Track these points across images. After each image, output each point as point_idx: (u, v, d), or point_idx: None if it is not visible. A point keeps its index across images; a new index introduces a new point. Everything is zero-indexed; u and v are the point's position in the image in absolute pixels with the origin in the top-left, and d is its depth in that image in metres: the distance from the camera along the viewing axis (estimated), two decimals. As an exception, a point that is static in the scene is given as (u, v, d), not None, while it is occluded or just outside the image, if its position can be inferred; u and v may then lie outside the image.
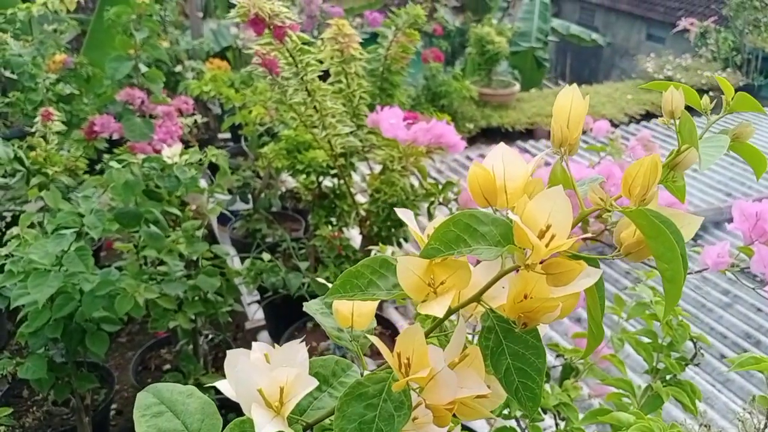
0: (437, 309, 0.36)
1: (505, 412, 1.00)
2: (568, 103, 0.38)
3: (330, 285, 0.45)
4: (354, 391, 0.40)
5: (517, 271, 0.37)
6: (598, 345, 0.39)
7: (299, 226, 2.68)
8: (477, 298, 0.40)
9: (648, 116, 4.90)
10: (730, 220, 0.95)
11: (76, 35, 3.86)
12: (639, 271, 1.19)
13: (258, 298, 2.39)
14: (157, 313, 1.47)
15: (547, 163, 0.60)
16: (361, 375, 0.44)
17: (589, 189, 0.36)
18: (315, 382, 0.40)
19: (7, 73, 3.25)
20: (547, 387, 1.08)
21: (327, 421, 0.47)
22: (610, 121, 4.87)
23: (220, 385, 0.46)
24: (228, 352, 0.45)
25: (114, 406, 2.30)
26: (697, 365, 0.96)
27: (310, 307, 0.48)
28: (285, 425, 0.40)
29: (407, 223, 0.40)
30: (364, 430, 0.39)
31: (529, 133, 4.47)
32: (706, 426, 1.28)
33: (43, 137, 2.30)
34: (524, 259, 0.35)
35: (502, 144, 0.40)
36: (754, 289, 0.93)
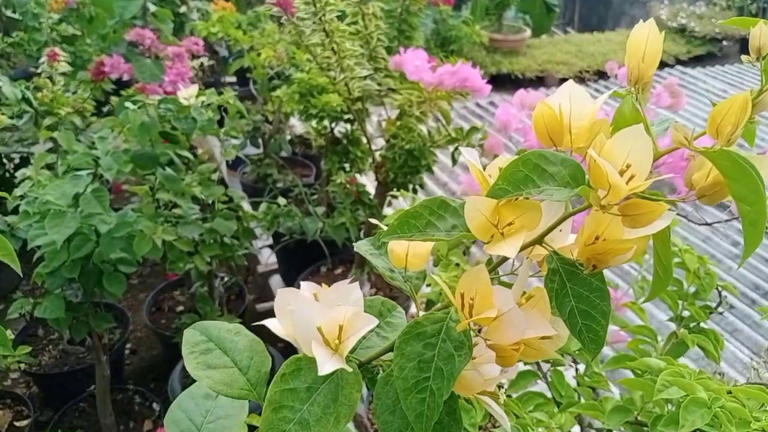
0: (507, 249, 0.35)
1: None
2: (644, 37, 0.37)
3: (384, 227, 0.44)
4: (412, 331, 0.40)
5: (588, 212, 0.36)
6: (665, 288, 0.39)
7: (310, 172, 2.67)
8: (540, 240, 0.40)
9: (661, 65, 4.81)
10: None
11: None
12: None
13: (269, 242, 2.40)
14: (173, 255, 1.48)
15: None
16: (415, 316, 0.44)
17: (672, 128, 0.35)
18: (375, 321, 0.40)
19: (9, 13, 3.17)
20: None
21: (375, 361, 0.47)
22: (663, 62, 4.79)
23: (270, 324, 0.46)
24: (278, 291, 0.45)
25: (128, 345, 2.35)
26: (721, 314, 0.97)
27: (360, 247, 0.48)
28: (344, 363, 0.40)
29: (470, 162, 0.39)
30: (423, 368, 0.39)
31: (540, 81, 4.39)
32: (719, 374, 1.30)
33: (49, 78, 2.27)
34: (599, 200, 0.34)
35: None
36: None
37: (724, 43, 5.43)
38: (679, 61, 4.93)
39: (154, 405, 2.05)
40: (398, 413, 0.41)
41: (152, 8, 2.03)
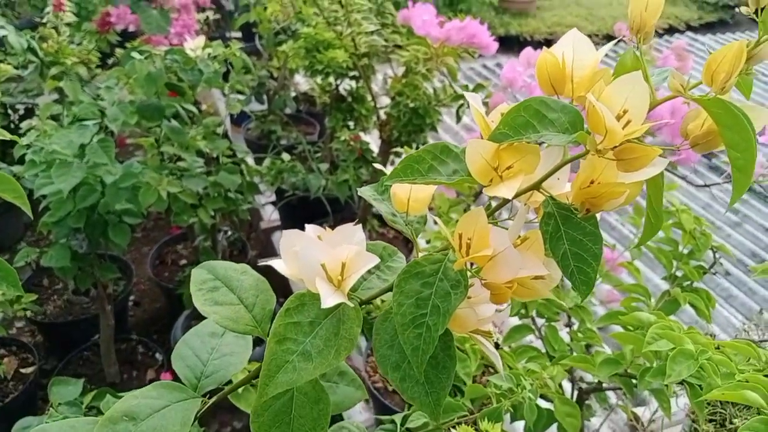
0: (505, 191, 0.37)
1: (522, 311, 1.04)
2: (648, -12, 0.37)
3: (387, 172, 0.46)
4: (411, 270, 0.42)
5: (585, 157, 0.37)
6: (656, 232, 0.40)
7: (313, 130, 2.67)
8: (537, 186, 0.41)
9: (671, 30, 4.74)
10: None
11: None
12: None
13: (272, 199, 2.42)
14: (178, 207, 1.49)
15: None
16: (415, 257, 0.45)
17: (670, 75, 0.36)
18: (376, 259, 0.41)
19: (14, -38, 3.13)
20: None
21: (377, 301, 0.49)
22: (670, 26, 4.71)
23: (275, 264, 0.48)
24: (284, 232, 0.47)
25: (131, 298, 2.39)
26: (714, 274, 0.99)
27: (364, 192, 0.49)
28: (345, 298, 0.42)
29: (473, 105, 0.40)
30: (420, 305, 0.41)
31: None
32: (711, 335, 1.33)
33: (55, 28, 2.25)
34: (595, 145, 0.35)
35: (575, 29, 0.39)
36: (762, 196, 0.94)
37: (737, 9, 5.34)
38: (689, 27, 4.86)
39: (157, 355, 2.09)
40: (396, 348, 0.43)
41: (158, -42, 2.00)
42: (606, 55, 0.41)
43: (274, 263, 0.48)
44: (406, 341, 0.41)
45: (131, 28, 1.91)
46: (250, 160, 2.31)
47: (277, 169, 1.65)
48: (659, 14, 0.38)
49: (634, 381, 0.81)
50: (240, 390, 1.09)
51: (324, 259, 0.41)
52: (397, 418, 0.82)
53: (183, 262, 2.32)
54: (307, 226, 0.47)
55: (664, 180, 0.39)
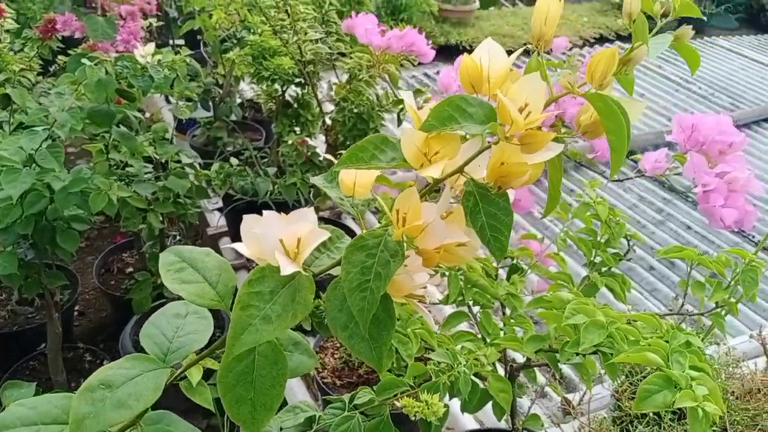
0: (433, 171, 0.45)
1: (459, 299, 1.13)
2: (546, 3, 0.46)
3: (335, 162, 0.53)
4: (357, 243, 0.49)
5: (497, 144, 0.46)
6: (555, 206, 0.49)
7: (260, 136, 2.71)
8: (461, 170, 0.49)
9: (602, 40, 4.99)
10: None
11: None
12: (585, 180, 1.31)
13: (219, 205, 2.44)
14: (128, 212, 1.52)
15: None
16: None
17: (560, 77, 0.44)
18: (327, 234, 0.49)
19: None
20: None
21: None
22: (601, 35, 4.94)
23: (238, 246, 0.54)
24: (244, 216, 0.53)
25: (77, 308, 2.37)
26: (629, 260, 1.10)
27: (317, 180, 0.56)
28: (301, 268, 0.49)
29: (406, 102, 0.48)
30: (365, 272, 0.48)
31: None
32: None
33: (-6, 35, 2.23)
34: (504, 133, 0.43)
35: (489, 39, 0.48)
36: (684, 195, 1.06)
37: (662, 20, 5.66)
38: (619, 37, 5.13)
39: (105, 362, 2.09)
40: (344, 310, 0.50)
41: (103, -34, 2.02)
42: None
43: (237, 246, 0.54)
44: (353, 303, 0.48)
45: (77, 35, 1.92)
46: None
47: (225, 173, 1.70)
48: (555, 27, 0.46)
49: (557, 354, 0.90)
50: (194, 384, 1.14)
51: (282, 235, 0.48)
52: (346, 398, 0.89)
53: (129, 270, 2.32)
54: (265, 211, 0.54)
55: (562, 163, 0.48)
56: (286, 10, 1.40)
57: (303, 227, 0.48)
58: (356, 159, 0.49)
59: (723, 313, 1.04)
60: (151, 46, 1.40)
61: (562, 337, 0.93)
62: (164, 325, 0.63)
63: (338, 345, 1.67)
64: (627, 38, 5.14)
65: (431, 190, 0.50)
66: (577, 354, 0.88)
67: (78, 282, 2.20)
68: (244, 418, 0.52)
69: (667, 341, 0.76)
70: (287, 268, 0.47)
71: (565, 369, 1.89)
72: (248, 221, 0.52)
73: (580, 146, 1.42)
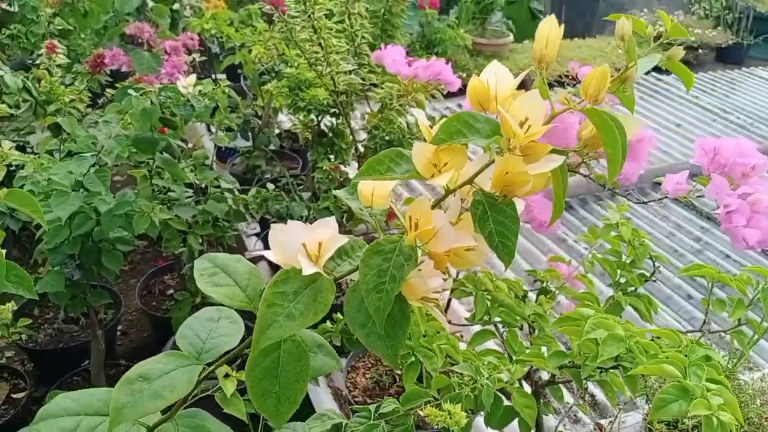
0: (442, 180, 0.49)
1: (486, 318, 1.15)
2: (547, 28, 0.50)
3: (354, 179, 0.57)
4: (374, 248, 0.53)
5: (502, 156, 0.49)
6: (560, 215, 0.52)
7: (296, 165, 2.79)
8: (471, 181, 0.53)
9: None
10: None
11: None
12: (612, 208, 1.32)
13: (257, 231, 2.52)
14: (169, 234, 1.59)
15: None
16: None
17: (557, 93, 0.48)
18: (345, 239, 0.53)
19: (4, 5, 3.27)
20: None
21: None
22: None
23: (266, 254, 0.59)
24: (272, 226, 0.58)
25: (119, 327, 2.45)
26: (654, 281, 1.11)
27: (339, 193, 0.60)
28: (321, 270, 0.53)
29: (418, 119, 0.52)
30: (381, 275, 0.52)
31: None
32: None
33: (47, 70, 2.37)
34: (507, 145, 0.47)
35: (495, 62, 0.52)
36: (707, 216, 1.07)
37: (700, 51, 5.64)
38: (656, 68, 5.11)
39: (145, 381, 2.15)
40: (362, 310, 0.54)
41: (150, 4, 2.14)
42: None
43: (266, 253, 0.59)
44: (370, 303, 0.52)
45: (124, 69, 2.03)
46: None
47: (262, 198, 1.76)
48: (556, 49, 0.50)
49: (580, 370, 0.92)
50: (228, 396, 1.18)
51: (304, 240, 0.53)
52: (372, 408, 0.92)
53: (170, 291, 2.40)
54: (290, 221, 0.58)
55: (566, 175, 0.51)
56: (320, 44, 1.47)
57: (324, 233, 0.52)
58: (373, 171, 0.54)
59: (754, 337, 1.03)
60: (193, 77, 1.48)
61: (586, 353, 0.95)
62: (198, 327, 0.67)
63: (369, 365, 1.70)
64: (662, 70, 5.12)
65: (443, 199, 0.54)
66: (600, 369, 0.90)
67: (121, 303, 2.28)
68: (270, 410, 0.56)
69: (686, 356, 0.77)
70: (309, 269, 0.51)
71: (598, 394, 1.87)
72: (275, 230, 0.57)
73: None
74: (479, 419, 1.04)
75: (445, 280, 0.55)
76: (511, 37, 5.12)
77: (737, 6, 6.25)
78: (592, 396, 1.90)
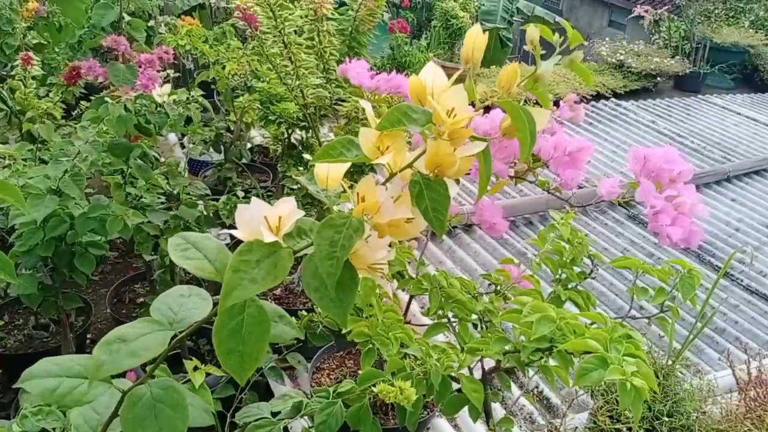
0: (384, 160, 0.57)
1: (440, 312, 1.23)
2: (474, 36, 0.60)
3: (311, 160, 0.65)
4: (327, 222, 0.62)
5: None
6: (484, 193, 0.61)
7: (267, 177, 2.87)
8: (411, 165, 0.62)
9: (599, 96, 5.19)
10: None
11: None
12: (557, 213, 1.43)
13: (227, 241, 2.58)
14: (141, 238, 1.65)
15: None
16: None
17: (479, 88, 0.58)
18: (302, 213, 0.61)
19: (-22, 19, 3.31)
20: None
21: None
22: (559, 99, 5.14)
23: (234, 232, 0.67)
24: (239, 206, 0.66)
25: (89, 336, 2.47)
26: (593, 278, 1.20)
27: (301, 179, 0.69)
28: (281, 240, 0.61)
29: (366, 111, 0.61)
30: (332, 245, 0.60)
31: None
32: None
33: (22, 81, 2.42)
34: (438, 132, 0.56)
35: (431, 63, 0.61)
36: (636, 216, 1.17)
37: (659, 79, 5.89)
38: (615, 94, 5.33)
39: (112, 388, 2.18)
40: (317, 277, 0.62)
41: (127, 18, 2.22)
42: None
43: (233, 232, 0.67)
44: (323, 269, 0.60)
45: (100, 80, 2.10)
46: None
47: (232, 204, 1.83)
48: (482, 52, 0.60)
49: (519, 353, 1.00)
50: (197, 387, 1.24)
51: (267, 214, 0.61)
52: (331, 388, 0.99)
53: (140, 299, 2.44)
54: (253, 199, 0.67)
55: (490, 159, 0.61)
56: (290, 58, 1.56)
57: (284, 208, 0.61)
58: (328, 155, 0.62)
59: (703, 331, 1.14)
60: (168, 87, 1.56)
61: (524, 338, 1.04)
62: (171, 302, 0.74)
63: (334, 366, 1.77)
64: (622, 96, 5.34)
65: (388, 180, 0.63)
66: (540, 354, 0.99)
67: (92, 310, 2.32)
68: (234, 366, 0.63)
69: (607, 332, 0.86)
70: (269, 238, 0.59)
71: (552, 397, 1.97)
72: (241, 209, 0.65)
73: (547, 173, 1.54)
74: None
75: (388, 251, 0.63)
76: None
77: (695, 36, 6.55)
78: (547, 399, 1.99)
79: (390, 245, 0.65)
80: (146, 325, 0.67)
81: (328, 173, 0.66)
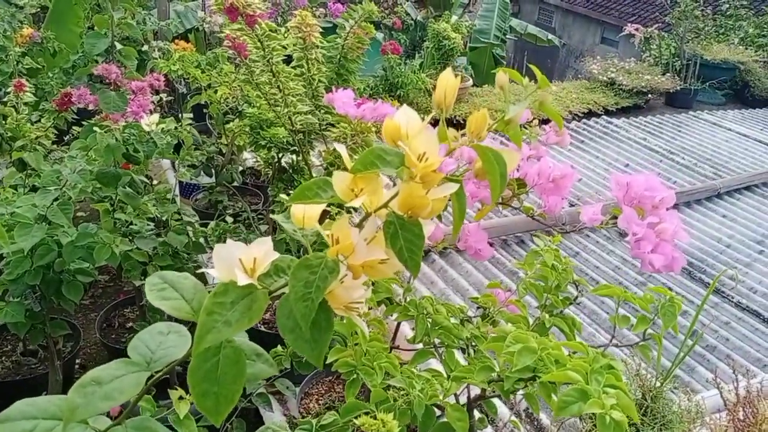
0: (357, 203, 0.58)
1: (426, 339, 1.23)
2: (445, 81, 0.60)
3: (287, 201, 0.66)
4: (303, 263, 0.62)
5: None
6: (457, 235, 0.61)
7: (258, 200, 2.87)
8: (385, 206, 0.62)
9: (590, 114, 5.22)
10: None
11: (35, 11, 3.93)
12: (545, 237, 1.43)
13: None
14: (130, 265, 1.65)
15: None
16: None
17: (449, 135, 0.58)
18: (277, 254, 0.61)
19: (-28, 45, 3.32)
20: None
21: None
22: (589, 110, 5.16)
23: (210, 271, 0.67)
24: (215, 246, 0.66)
25: (78, 361, 2.46)
26: (578, 304, 1.21)
27: (278, 217, 0.69)
28: (255, 282, 0.61)
29: (341, 154, 0.61)
30: (308, 286, 0.61)
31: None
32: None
33: (14, 107, 2.43)
34: (410, 174, 0.57)
35: (405, 106, 0.62)
36: (621, 240, 1.18)
37: (650, 96, 5.94)
38: (607, 112, 5.36)
39: (102, 415, 2.16)
40: (291, 317, 0.62)
41: (118, 46, 2.23)
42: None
43: (210, 270, 0.67)
44: (297, 310, 0.60)
45: (91, 107, 2.11)
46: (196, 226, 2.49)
47: (221, 230, 1.83)
48: (454, 96, 0.60)
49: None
50: (182, 417, 1.24)
51: (241, 255, 0.61)
52: (314, 421, 0.99)
53: (130, 324, 2.43)
54: (229, 240, 0.67)
55: (464, 199, 0.61)
56: (278, 86, 1.57)
57: (259, 249, 0.61)
58: (303, 196, 0.63)
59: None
60: (156, 116, 1.57)
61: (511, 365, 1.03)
62: (148, 340, 0.74)
63: (323, 391, 1.76)
64: (614, 113, 5.39)
65: (364, 220, 0.63)
66: (523, 383, 0.99)
67: (80, 335, 2.30)
68: (209, 408, 0.63)
69: (590, 365, 0.86)
70: (243, 280, 0.59)
71: (543, 418, 1.96)
72: (218, 249, 0.65)
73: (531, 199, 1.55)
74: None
75: (365, 290, 0.64)
76: (471, 81, 5.34)
77: (685, 54, 6.61)
78: (538, 420, 1.98)
79: (370, 282, 0.65)
80: (121, 367, 0.67)
81: (305, 213, 0.66)
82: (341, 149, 0.63)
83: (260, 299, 0.63)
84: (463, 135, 0.59)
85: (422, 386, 0.98)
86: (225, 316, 0.61)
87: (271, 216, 2.05)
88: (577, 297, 1.20)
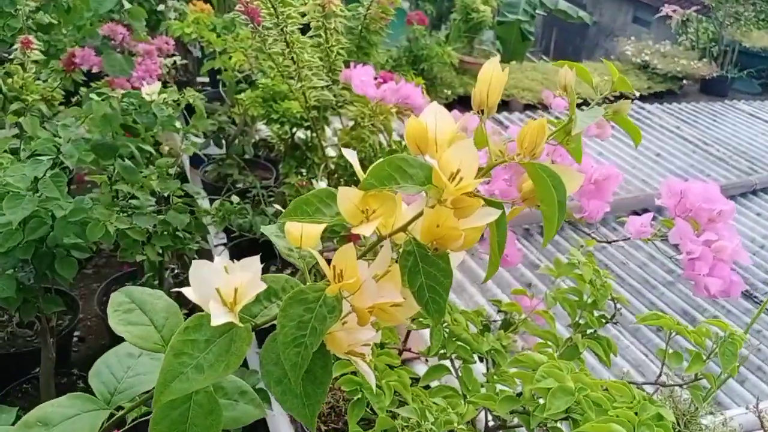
0: (366, 230, 0.44)
1: (442, 352, 1.11)
2: (489, 73, 0.46)
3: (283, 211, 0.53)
4: (296, 296, 0.49)
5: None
6: (495, 271, 0.48)
7: (270, 175, 2.74)
8: (404, 228, 0.49)
9: (621, 97, 5.00)
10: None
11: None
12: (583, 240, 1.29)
13: (225, 241, 2.46)
14: (126, 243, 1.54)
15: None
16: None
17: (490, 144, 0.44)
18: (264, 285, 0.48)
19: (-19, -1, 3.20)
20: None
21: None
22: (584, 100, 4.96)
23: (186, 291, 0.54)
24: (193, 261, 0.53)
25: (77, 333, 2.38)
26: (615, 323, 1.07)
27: (269, 230, 0.56)
28: (236, 319, 0.48)
29: (351, 161, 0.48)
30: (301, 327, 0.48)
31: (505, 105, 4.54)
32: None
33: (21, 65, 2.31)
34: (439, 196, 0.43)
35: (434, 103, 0.48)
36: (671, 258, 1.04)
37: (685, 81, 5.68)
38: (639, 97, 5.14)
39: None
40: (280, 365, 0.50)
41: (127, 5, 2.09)
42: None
43: (186, 291, 0.54)
44: (287, 358, 0.48)
45: (95, 69, 1.98)
46: (205, 202, 2.37)
47: (225, 211, 1.71)
48: (500, 95, 0.46)
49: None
50: None
51: (218, 284, 0.48)
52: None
53: (132, 299, 2.33)
54: (216, 257, 0.54)
55: (506, 228, 0.48)
56: (292, 58, 1.43)
57: (240, 278, 0.48)
58: (301, 212, 0.49)
59: (710, 390, 1.00)
60: (157, 85, 1.43)
61: (539, 396, 0.91)
62: (114, 364, 0.62)
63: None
64: (646, 98, 5.15)
65: (374, 247, 0.50)
66: (550, 420, 0.86)
67: (79, 308, 2.21)
68: (174, 467, 0.51)
69: (636, 413, 0.74)
70: (219, 318, 0.47)
71: None
72: (197, 266, 0.53)
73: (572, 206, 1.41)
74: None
75: (374, 333, 0.51)
76: (498, 58, 5.13)
77: (723, 39, 6.32)
78: None
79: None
80: (76, 404, 0.55)
81: (303, 230, 0.53)
82: (351, 156, 0.49)
83: (242, 338, 0.50)
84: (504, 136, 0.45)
85: (436, 416, 0.85)
86: (196, 359, 0.48)
87: (285, 189, 1.92)
88: (614, 315, 1.06)
